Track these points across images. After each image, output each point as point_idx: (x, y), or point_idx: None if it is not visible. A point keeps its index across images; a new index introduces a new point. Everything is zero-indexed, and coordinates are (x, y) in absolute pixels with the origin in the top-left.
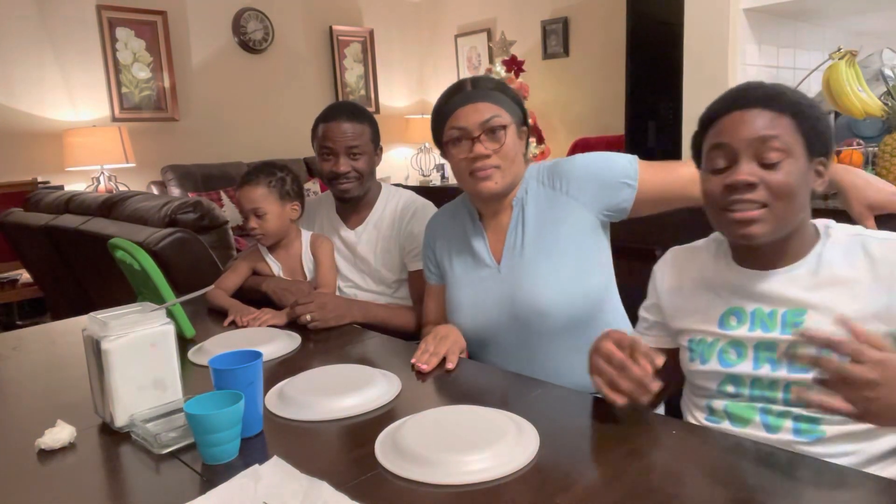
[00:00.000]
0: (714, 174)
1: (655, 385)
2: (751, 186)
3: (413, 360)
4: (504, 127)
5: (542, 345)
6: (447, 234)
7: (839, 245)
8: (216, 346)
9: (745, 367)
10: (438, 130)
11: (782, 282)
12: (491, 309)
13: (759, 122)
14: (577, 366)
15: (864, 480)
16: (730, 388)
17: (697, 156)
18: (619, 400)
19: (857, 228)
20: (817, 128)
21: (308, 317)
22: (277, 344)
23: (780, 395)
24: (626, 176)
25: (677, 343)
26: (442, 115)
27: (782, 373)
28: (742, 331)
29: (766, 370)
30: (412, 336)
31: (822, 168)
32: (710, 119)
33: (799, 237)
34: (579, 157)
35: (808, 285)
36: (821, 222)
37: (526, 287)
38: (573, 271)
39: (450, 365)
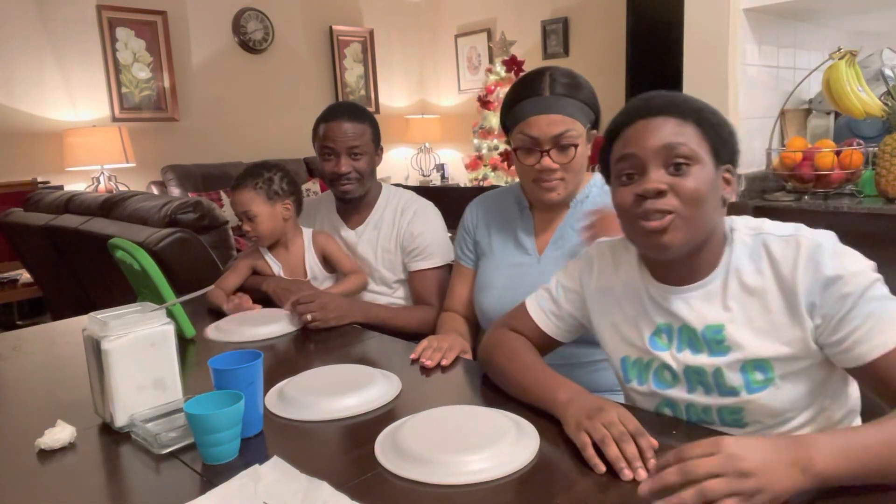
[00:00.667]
0: (623, 185)
1: (642, 473)
2: (661, 193)
3: (413, 356)
4: (575, 145)
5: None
6: (490, 215)
7: (745, 248)
8: (232, 324)
9: (679, 391)
10: (510, 124)
11: (699, 299)
12: (523, 295)
13: (665, 128)
14: (588, 371)
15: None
16: (667, 412)
17: (605, 170)
18: (601, 467)
19: (758, 224)
20: (721, 134)
21: (309, 316)
22: (284, 322)
23: (714, 418)
24: None
25: (579, 333)
26: (514, 115)
27: (714, 397)
28: (672, 351)
29: (699, 394)
30: (413, 336)
31: (730, 176)
32: (615, 131)
33: (710, 248)
34: None
35: (723, 300)
36: (727, 221)
37: None
38: None
39: (445, 361)
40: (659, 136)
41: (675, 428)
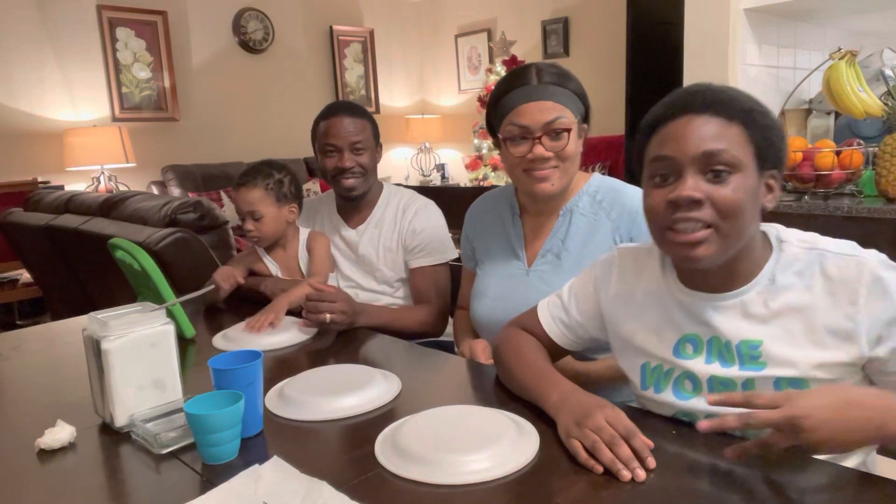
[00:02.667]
0: (656, 188)
1: (640, 473)
2: (696, 203)
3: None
4: (568, 130)
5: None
6: (485, 221)
7: (795, 262)
8: (240, 332)
9: (700, 402)
10: (496, 120)
11: (735, 309)
12: (514, 306)
13: (707, 130)
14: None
15: (853, 475)
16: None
17: (639, 164)
18: (598, 468)
19: (812, 239)
20: (770, 137)
21: (328, 317)
22: (293, 332)
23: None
24: None
25: (588, 344)
26: (502, 106)
27: (738, 411)
28: (699, 362)
29: (721, 407)
30: (414, 336)
31: (773, 182)
32: (654, 124)
33: (748, 256)
34: None
35: (763, 314)
36: (771, 230)
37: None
38: None
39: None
40: (700, 138)
41: (674, 428)
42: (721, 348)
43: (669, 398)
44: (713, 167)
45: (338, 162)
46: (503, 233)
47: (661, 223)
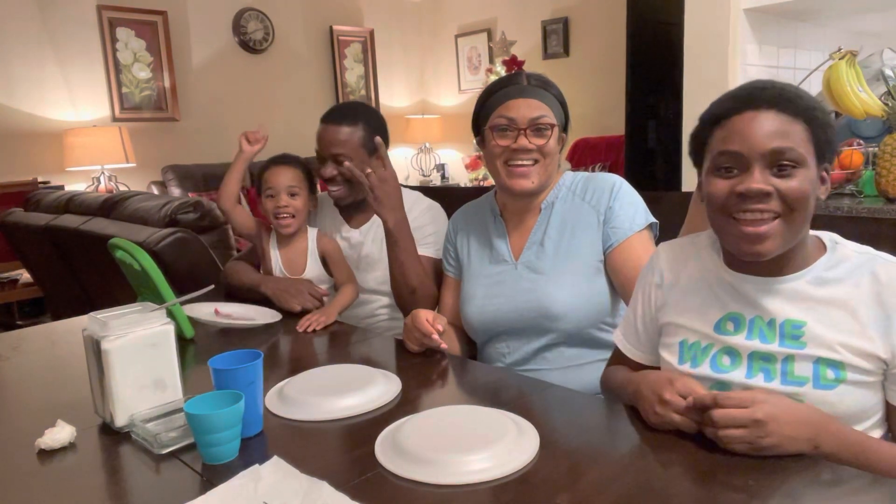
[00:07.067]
0: (720, 178)
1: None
2: (766, 196)
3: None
4: (552, 126)
5: (548, 346)
6: (468, 226)
7: (847, 262)
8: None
9: (737, 374)
10: (483, 116)
11: (783, 293)
12: (503, 303)
13: (773, 127)
14: (580, 371)
15: (858, 478)
16: None
17: (697, 153)
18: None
19: (868, 248)
20: (828, 135)
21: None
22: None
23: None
24: (629, 228)
25: (659, 343)
26: (492, 101)
27: (775, 384)
28: (739, 338)
29: (759, 380)
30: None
31: (826, 175)
32: (718, 117)
33: (800, 250)
34: (623, 183)
35: (809, 300)
36: (827, 236)
37: (541, 287)
38: (588, 279)
39: (439, 326)
40: (766, 135)
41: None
42: (763, 326)
43: (706, 371)
44: (780, 163)
45: (321, 171)
46: (486, 234)
47: (726, 211)
